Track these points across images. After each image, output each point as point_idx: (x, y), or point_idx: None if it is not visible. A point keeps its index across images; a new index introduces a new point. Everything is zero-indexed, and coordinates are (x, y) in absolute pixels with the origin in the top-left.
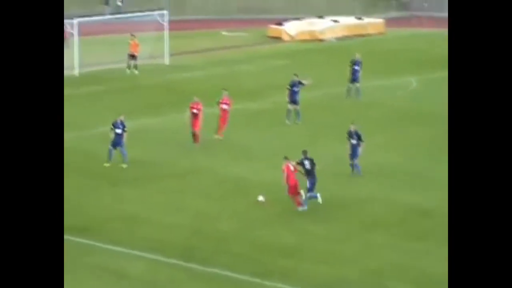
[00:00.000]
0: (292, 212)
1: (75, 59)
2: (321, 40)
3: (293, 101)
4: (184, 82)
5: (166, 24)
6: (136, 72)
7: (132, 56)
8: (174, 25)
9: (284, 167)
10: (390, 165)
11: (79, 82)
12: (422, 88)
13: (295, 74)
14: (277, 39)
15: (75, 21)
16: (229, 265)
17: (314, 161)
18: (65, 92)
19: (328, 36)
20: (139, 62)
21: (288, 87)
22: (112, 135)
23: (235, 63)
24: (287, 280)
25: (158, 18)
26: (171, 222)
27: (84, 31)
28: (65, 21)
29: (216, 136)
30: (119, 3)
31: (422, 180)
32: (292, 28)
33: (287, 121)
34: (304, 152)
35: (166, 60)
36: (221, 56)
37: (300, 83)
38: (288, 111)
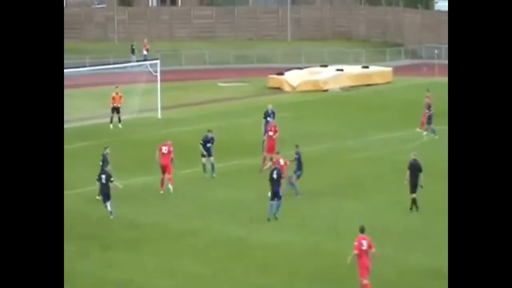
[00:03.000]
0: (295, 277)
1: None
2: (325, 91)
3: (208, 153)
4: (178, 138)
5: (158, 75)
6: (120, 126)
7: (115, 109)
8: (167, 75)
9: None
10: (401, 225)
11: (66, 138)
12: (433, 141)
13: (209, 130)
14: (278, 89)
15: None
16: None
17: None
18: None
19: (332, 86)
20: (128, 116)
21: (201, 142)
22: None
23: (233, 116)
24: None
25: (150, 69)
26: (165, 287)
27: (71, 83)
28: None
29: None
30: (145, 52)
31: (435, 241)
32: (294, 78)
33: (205, 175)
34: (297, 146)
35: (159, 114)
36: (218, 109)
37: (212, 139)
38: (204, 164)
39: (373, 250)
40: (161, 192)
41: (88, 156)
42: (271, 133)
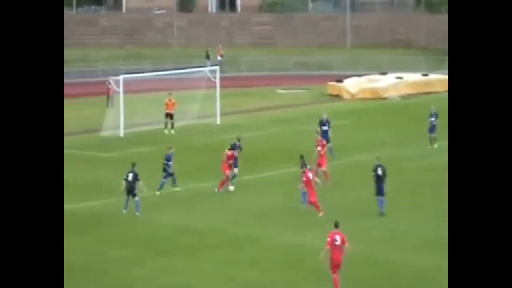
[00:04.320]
0: (352, 286)
1: (121, 118)
2: (384, 98)
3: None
4: None
5: (217, 81)
6: (173, 132)
7: (169, 115)
8: (226, 82)
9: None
10: None
11: (125, 143)
12: None
13: (238, 139)
14: (337, 97)
15: (121, 77)
16: None
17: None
18: (110, 154)
19: (391, 93)
20: (187, 121)
21: (228, 148)
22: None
23: (292, 123)
24: None
25: (209, 75)
26: None
27: (130, 89)
28: (110, 77)
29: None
30: (220, 58)
31: None
32: (353, 85)
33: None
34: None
35: (217, 120)
36: (276, 116)
37: (240, 147)
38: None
39: (347, 245)
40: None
41: (145, 162)
42: (319, 148)
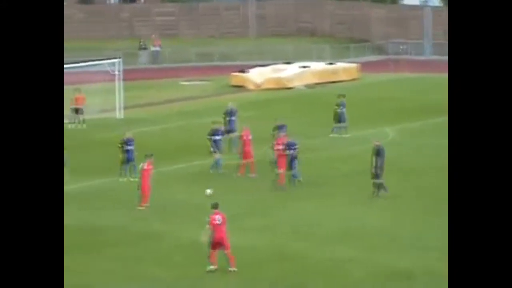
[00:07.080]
0: (259, 282)
1: None
2: (289, 88)
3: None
4: (139, 138)
5: (118, 74)
6: (85, 126)
7: (77, 110)
8: (128, 75)
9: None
10: (367, 226)
11: None
12: (400, 139)
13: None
14: (241, 87)
15: None
16: None
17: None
18: None
19: (296, 83)
20: (88, 116)
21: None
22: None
23: (195, 115)
24: None
25: (109, 68)
26: None
27: None
28: None
29: None
30: (157, 48)
31: (402, 241)
32: (257, 76)
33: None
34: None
35: (119, 114)
36: (179, 108)
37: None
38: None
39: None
40: None
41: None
42: (280, 147)
